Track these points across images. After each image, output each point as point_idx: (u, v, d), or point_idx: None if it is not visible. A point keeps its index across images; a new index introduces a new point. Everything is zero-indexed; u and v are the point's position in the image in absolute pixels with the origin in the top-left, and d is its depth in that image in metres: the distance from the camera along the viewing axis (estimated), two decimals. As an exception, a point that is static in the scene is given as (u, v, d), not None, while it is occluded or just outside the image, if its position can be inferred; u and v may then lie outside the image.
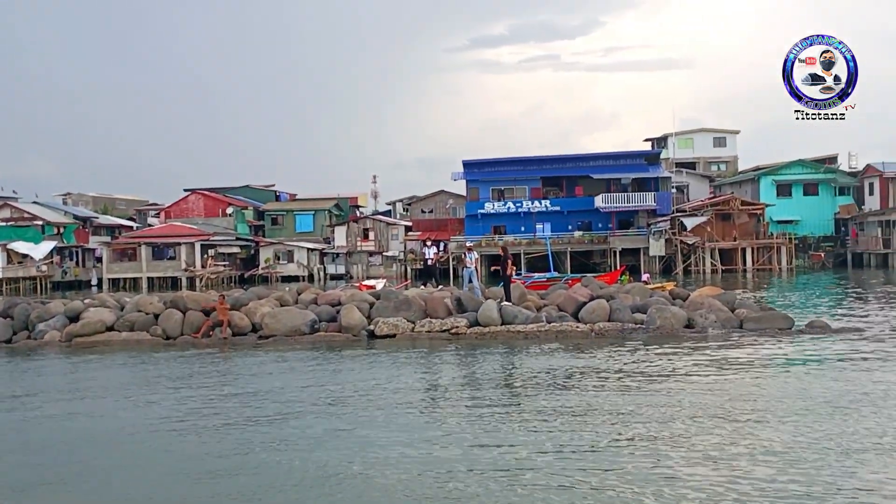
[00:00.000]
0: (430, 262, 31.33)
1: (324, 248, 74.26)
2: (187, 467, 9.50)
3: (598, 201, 66.27)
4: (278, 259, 72.40)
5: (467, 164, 71.10)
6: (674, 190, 70.20)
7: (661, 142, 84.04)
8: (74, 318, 22.84)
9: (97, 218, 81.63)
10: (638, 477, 8.36)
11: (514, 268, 23.53)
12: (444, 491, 8.25)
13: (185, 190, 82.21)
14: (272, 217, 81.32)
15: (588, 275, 35.08)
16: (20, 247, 65.54)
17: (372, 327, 21.45)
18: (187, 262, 65.37)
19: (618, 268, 49.98)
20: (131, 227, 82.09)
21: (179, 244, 66.40)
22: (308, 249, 72.68)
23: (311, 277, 69.17)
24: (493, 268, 23.91)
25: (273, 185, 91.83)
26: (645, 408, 11.65)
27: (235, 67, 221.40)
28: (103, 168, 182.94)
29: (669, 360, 16.24)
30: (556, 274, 41.65)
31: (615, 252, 62.34)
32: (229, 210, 77.63)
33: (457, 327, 21.17)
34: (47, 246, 67.24)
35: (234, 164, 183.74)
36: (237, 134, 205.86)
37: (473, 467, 8.94)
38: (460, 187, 73.60)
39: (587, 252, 64.94)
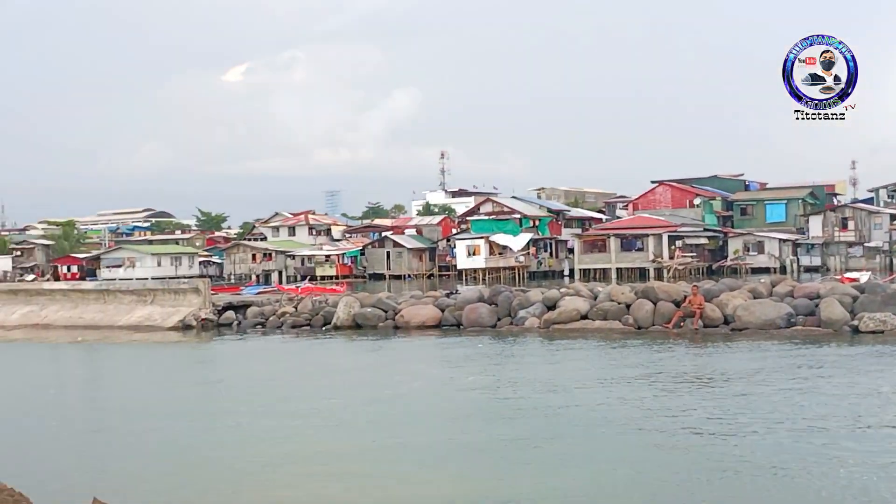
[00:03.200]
0: (923, 254, 28.13)
1: (797, 239, 70.38)
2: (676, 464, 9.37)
3: None
4: (747, 250, 70.06)
5: (968, 143, 62.78)
6: None
7: None
8: (551, 306, 23.94)
9: (569, 211, 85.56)
10: None
11: None
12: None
13: (652, 182, 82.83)
14: (741, 207, 78.95)
15: None
16: (500, 239, 71.02)
17: (856, 322, 19.75)
18: (655, 253, 65.78)
19: None
20: (600, 220, 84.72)
21: (647, 235, 67.08)
22: (780, 240, 69.40)
23: (783, 269, 65.88)
24: None
25: (741, 175, 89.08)
26: None
27: (699, 61, 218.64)
28: (573, 163, 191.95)
29: None
30: None
31: None
32: (696, 201, 76.74)
33: (961, 326, 18.70)
34: (524, 238, 72.02)
35: (701, 154, 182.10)
36: (705, 123, 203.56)
37: None
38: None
39: None
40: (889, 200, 77.56)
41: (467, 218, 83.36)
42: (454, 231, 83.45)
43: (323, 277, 73.46)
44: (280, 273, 78.94)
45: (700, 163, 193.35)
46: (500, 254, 70.83)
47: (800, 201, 75.89)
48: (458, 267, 72.15)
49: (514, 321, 24.11)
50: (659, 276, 59.55)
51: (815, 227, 70.46)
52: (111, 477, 9.47)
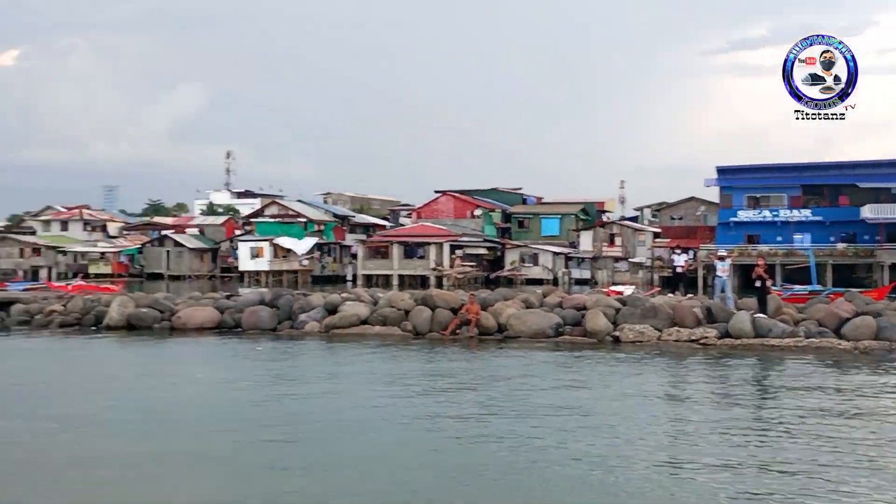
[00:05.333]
0: (679, 270, 30.47)
1: (569, 252, 74.03)
2: (417, 457, 9.78)
3: (866, 212, 61.55)
4: (523, 261, 73.02)
5: (721, 170, 68.38)
6: (955, 201, 63.99)
7: (939, 148, 77.04)
8: (333, 310, 24.11)
9: (354, 217, 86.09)
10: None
11: (771, 279, 22.36)
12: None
13: (436, 191, 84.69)
14: (519, 220, 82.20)
15: (852, 289, 32.67)
16: (285, 242, 70.42)
17: (617, 333, 21.14)
18: (436, 262, 67.36)
19: (887, 283, 46.27)
20: (384, 227, 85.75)
21: (429, 244, 68.57)
22: (553, 253, 72.80)
23: (555, 281, 69.20)
24: (757, 282, 22.52)
25: (520, 189, 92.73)
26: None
27: (488, 74, 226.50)
28: (359, 169, 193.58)
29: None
30: (817, 287, 39.25)
31: (883, 266, 57.65)
32: (477, 212, 79.22)
33: (706, 338, 20.44)
34: (309, 242, 71.82)
35: (483, 166, 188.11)
36: (487, 138, 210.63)
37: (714, 480, 8.55)
38: (712, 194, 70.93)
39: (850, 266, 60.48)
40: (652, 219, 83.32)
41: (252, 220, 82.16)
42: (238, 232, 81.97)
43: (97, 275, 70.14)
44: (50, 269, 74.57)
45: (482, 176, 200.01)
46: (284, 257, 70.23)
47: (573, 216, 79.98)
48: (241, 269, 71.00)
49: (294, 325, 24.05)
50: (439, 284, 60.99)
51: (586, 241, 74.40)
52: None
